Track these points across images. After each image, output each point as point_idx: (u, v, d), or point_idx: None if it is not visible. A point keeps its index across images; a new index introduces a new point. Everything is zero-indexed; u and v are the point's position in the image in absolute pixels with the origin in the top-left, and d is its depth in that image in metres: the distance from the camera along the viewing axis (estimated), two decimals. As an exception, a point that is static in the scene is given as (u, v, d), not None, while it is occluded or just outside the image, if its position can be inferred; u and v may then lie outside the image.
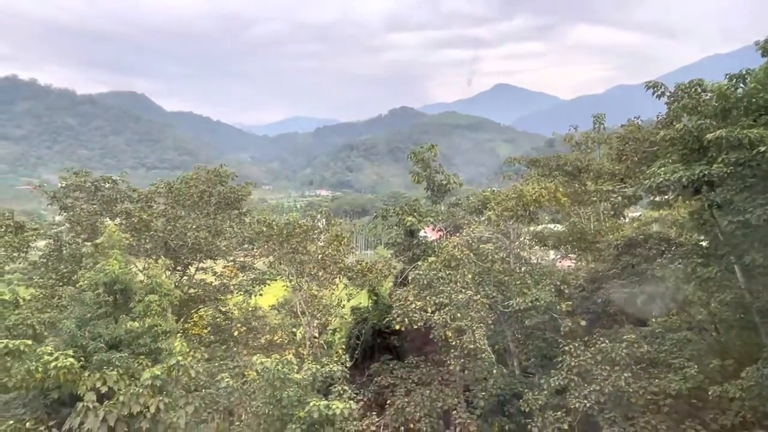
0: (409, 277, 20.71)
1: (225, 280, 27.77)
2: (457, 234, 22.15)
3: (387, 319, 20.55)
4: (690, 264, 18.21)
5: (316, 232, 25.61)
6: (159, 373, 14.99)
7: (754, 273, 17.35)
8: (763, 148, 14.57)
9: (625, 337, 17.96)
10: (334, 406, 15.09)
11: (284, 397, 15.85)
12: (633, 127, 20.46)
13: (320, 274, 24.98)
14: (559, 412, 17.02)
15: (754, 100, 16.28)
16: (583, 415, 16.93)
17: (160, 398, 14.98)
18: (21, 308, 20.35)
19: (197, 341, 24.09)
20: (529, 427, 17.47)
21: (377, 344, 25.19)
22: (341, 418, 15.25)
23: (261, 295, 28.66)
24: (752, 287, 17.40)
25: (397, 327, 18.96)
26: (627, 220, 27.89)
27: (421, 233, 26.43)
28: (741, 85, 16.97)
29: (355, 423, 17.75)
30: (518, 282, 19.63)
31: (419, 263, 20.70)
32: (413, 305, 18.69)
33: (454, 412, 19.29)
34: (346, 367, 18.01)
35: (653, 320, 19.36)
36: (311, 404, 15.16)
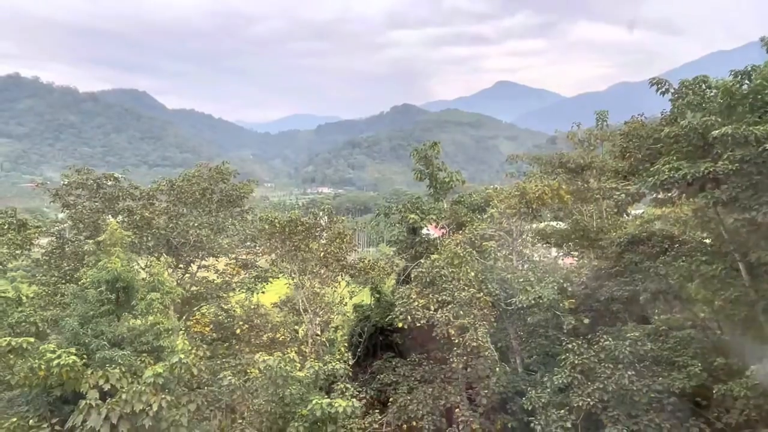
0: (412, 275, 20.67)
1: (227, 278, 27.79)
2: (460, 231, 22.12)
3: (389, 316, 20.53)
4: (694, 262, 18.15)
5: (318, 229, 25.59)
6: (161, 371, 14.92)
7: (759, 271, 17.31)
8: (768, 145, 14.54)
9: (628, 335, 17.93)
10: (336, 404, 15.04)
11: (287, 394, 15.84)
12: (637, 124, 20.35)
13: (322, 271, 24.97)
14: (562, 410, 17.00)
15: (759, 96, 16.12)
16: (587, 413, 16.94)
17: (163, 396, 14.91)
18: (24, 306, 20.40)
19: (199, 339, 24.06)
20: (531, 425, 17.45)
21: (379, 342, 25.19)
22: (344, 416, 15.21)
23: (263, 292, 28.70)
24: (757, 285, 17.34)
25: (400, 325, 18.93)
26: (630, 217, 27.80)
27: (424, 231, 26.39)
28: (746, 81, 16.84)
29: (357, 421, 17.76)
30: (521, 279, 19.58)
31: (422, 261, 20.65)
32: (416, 303, 18.67)
33: (457, 410, 19.28)
34: (349, 365, 18.00)
35: (656, 318, 19.35)
36: (314, 402, 15.11)
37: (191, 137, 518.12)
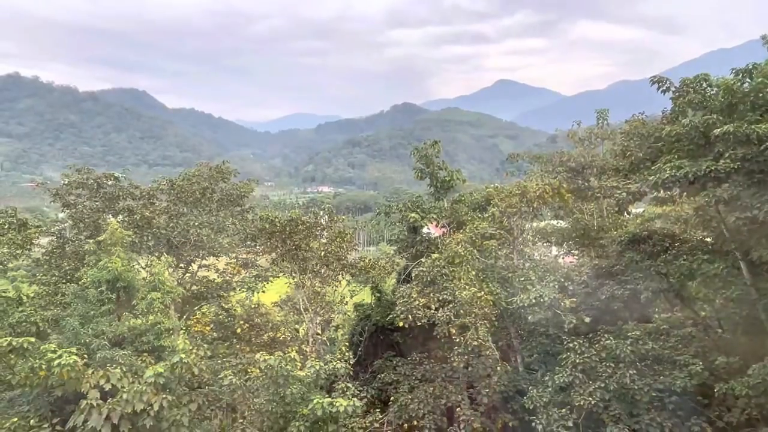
0: (413, 274, 20.64)
1: (227, 277, 27.87)
2: (461, 230, 22.09)
3: (390, 316, 20.51)
4: (695, 260, 18.11)
5: (318, 228, 25.61)
6: (162, 370, 14.97)
7: (760, 269, 17.29)
8: (771, 144, 14.53)
9: (629, 333, 17.90)
10: (337, 404, 15.05)
11: (287, 394, 15.86)
12: (637, 122, 20.33)
13: (323, 270, 24.99)
14: (563, 410, 16.95)
15: (761, 95, 16.09)
16: (588, 412, 16.87)
17: (164, 396, 14.95)
18: (24, 305, 20.46)
19: (200, 338, 24.10)
20: (533, 424, 17.42)
21: (380, 341, 25.18)
22: (345, 415, 15.24)
23: (264, 292, 28.77)
24: (758, 284, 17.34)
25: (401, 324, 18.89)
26: (631, 216, 27.81)
27: (424, 230, 26.36)
28: (747, 80, 16.83)
29: (358, 420, 17.78)
30: (522, 278, 19.57)
31: (422, 260, 20.59)
32: (417, 302, 18.62)
33: (458, 408, 19.24)
34: (350, 364, 17.96)
35: (657, 317, 19.33)
36: (315, 401, 15.12)
37: (191, 136, 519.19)
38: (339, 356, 18.16)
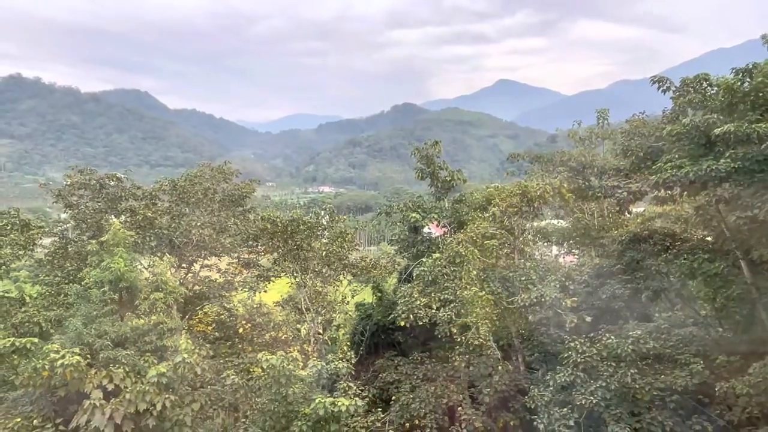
0: (414, 274, 20.73)
1: (229, 277, 27.92)
2: (461, 230, 22.12)
3: (391, 315, 20.52)
4: (695, 260, 18.13)
5: (319, 228, 25.69)
6: (165, 370, 15.04)
7: (760, 269, 17.30)
8: (772, 143, 14.55)
9: (630, 333, 17.87)
10: (339, 403, 15.05)
11: (290, 393, 15.90)
12: (638, 122, 20.36)
13: (324, 270, 25.09)
14: (564, 409, 16.97)
15: (761, 94, 16.09)
16: (589, 411, 16.87)
17: (167, 395, 15.02)
18: (27, 306, 20.59)
19: (202, 338, 24.25)
20: (534, 423, 17.48)
21: (381, 340, 25.29)
22: (347, 414, 15.22)
23: (265, 291, 28.83)
24: (759, 283, 17.33)
25: (402, 323, 18.92)
26: (631, 215, 27.86)
27: (425, 229, 26.41)
28: (747, 79, 16.84)
29: (360, 419, 17.83)
30: (523, 278, 19.61)
31: (423, 259, 20.67)
32: (418, 301, 18.67)
33: (459, 408, 19.33)
34: (351, 363, 18.04)
35: (658, 316, 19.35)
36: (317, 401, 15.12)
37: (193, 137, 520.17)
38: (341, 356, 18.25)
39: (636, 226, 22.48)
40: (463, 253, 19.23)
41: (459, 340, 18.06)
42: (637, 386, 16.59)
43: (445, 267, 19.31)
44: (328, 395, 15.96)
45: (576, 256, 28.15)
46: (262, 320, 27.75)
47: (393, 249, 31.46)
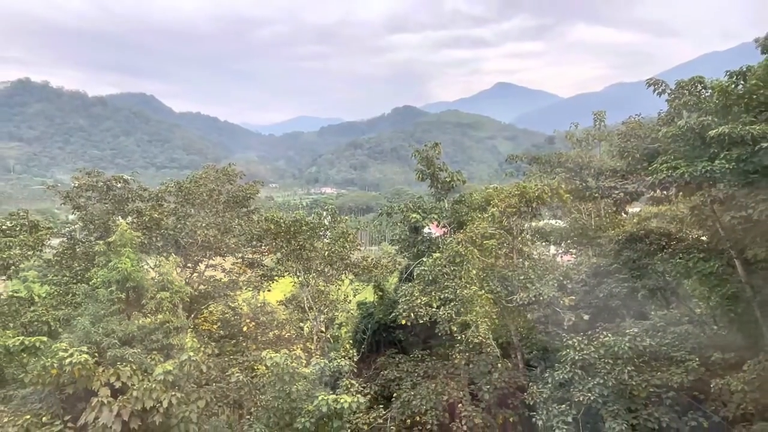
0: (414, 273, 20.93)
1: (234, 277, 28.14)
2: (461, 230, 22.31)
3: (393, 313, 20.74)
4: (691, 259, 18.30)
5: (322, 229, 25.92)
6: (171, 368, 15.28)
7: (754, 267, 17.46)
8: (765, 145, 14.57)
9: (627, 331, 18.09)
10: (342, 400, 15.28)
11: (293, 391, 16.15)
12: (634, 124, 20.53)
13: (327, 270, 25.27)
14: (563, 405, 17.21)
15: (755, 96, 16.22)
16: (587, 407, 17.12)
17: (173, 393, 15.24)
18: (36, 305, 20.79)
19: (207, 337, 24.46)
20: (533, 419, 17.71)
21: (383, 338, 25.50)
22: (349, 411, 15.46)
23: (269, 291, 29.07)
24: (753, 281, 17.52)
25: (403, 322, 19.14)
26: (628, 215, 28.05)
27: (426, 230, 26.62)
28: (741, 82, 17.03)
29: (362, 416, 18.07)
30: (521, 277, 19.81)
31: (424, 259, 20.87)
32: (418, 300, 18.89)
33: (460, 404, 19.56)
34: (353, 361, 18.23)
35: (654, 314, 19.48)
36: (320, 398, 15.38)
37: (198, 139, 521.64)
38: (343, 353, 18.47)
39: (632, 226, 22.66)
40: (463, 253, 19.46)
41: (459, 338, 18.26)
42: (634, 383, 16.81)
43: (445, 266, 19.53)
44: (331, 392, 16.20)
45: (574, 256, 28.33)
46: (265, 319, 28.02)
47: (394, 249, 31.72)
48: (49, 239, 24.29)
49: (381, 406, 19.88)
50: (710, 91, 17.36)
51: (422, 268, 20.06)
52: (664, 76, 19.24)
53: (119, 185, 26.07)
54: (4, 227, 22.66)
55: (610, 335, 17.85)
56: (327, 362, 17.32)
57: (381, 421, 19.46)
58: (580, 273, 22.01)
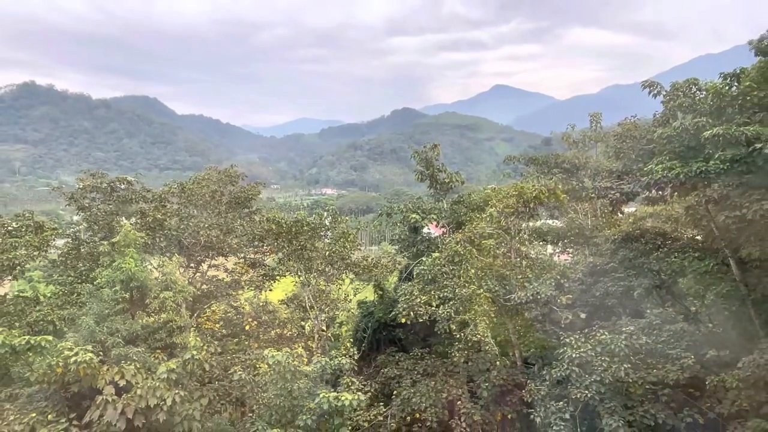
0: (414, 272, 21.11)
1: (236, 277, 28.34)
2: (460, 230, 22.49)
3: (392, 312, 20.96)
4: (686, 258, 18.49)
5: (323, 229, 26.11)
6: (174, 366, 15.52)
7: (748, 266, 17.66)
8: (758, 145, 14.76)
9: (623, 329, 18.25)
10: (343, 398, 15.44)
11: (295, 388, 16.29)
12: (630, 125, 20.67)
13: (327, 269, 25.44)
14: (560, 402, 17.41)
15: (748, 98, 16.40)
16: (584, 404, 17.30)
17: (176, 391, 15.45)
18: (41, 305, 20.99)
19: (210, 335, 24.57)
20: (531, 416, 17.93)
21: (383, 337, 25.66)
22: (350, 408, 15.63)
23: (271, 290, 29.28)
24: (747, 280, 17.73)
25: (403, 320, 19.36)
26: (623, 215, 28.24)
27: (425, 230, 26.84)
28: (735, 83, 17.22)
29: (362, 413, 18.27)
30: (519, 276, 20.02)
31: (423, 259, 21.07)
32: (418, 299, 19.11)
33: (459, 402, 19.77)
34: (354, 359, 18.36)
35: (650, 312, 19.61)
36: (321, 396, 15.55)
37: (200, 141, 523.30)
38: (344, 352, 18.62)
39: (628, 225, 22.77)
40: (462, 253, 19.67)
41: (458, 336, 18.46)
42: (631, 380, 16.98)
43: (444, 266, 19.75)
44: (332, 390, 16.33)
45: (570, 255, 28.49)
46: (267, 318, 28.19)
47: (394, 249, 31.95)
48: (54, 240, 24.41)
49: (381, 403, 20.08)
50: (705, 92, 17.52)
51: (422, 267, 20.28)
52: (660, 78, 19.42)
53: (123, 186, 26.31)
54: (9, 228, 22.82)
55: (606, 333, 18.01)
56: (328, 360, 17.43)
57: (381, 418, 19.66)
58: (576, 272, 22.14)
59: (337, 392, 16.00)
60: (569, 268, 22.47)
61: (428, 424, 19.58)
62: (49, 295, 22.16)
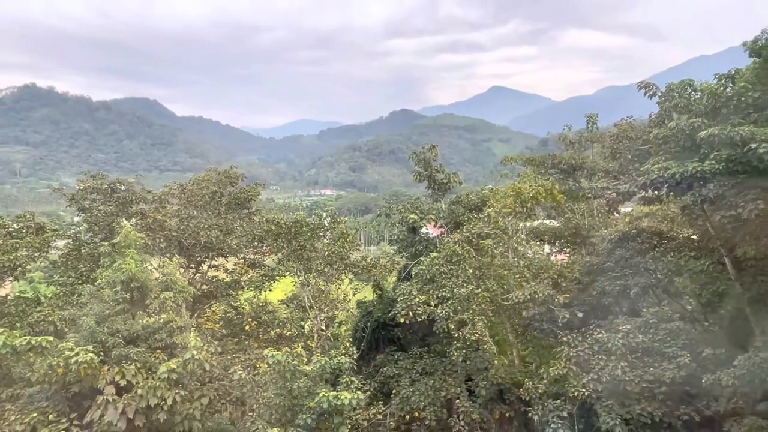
0: (412, 272, 21.21)
1: (236, 277, 28.44)
2: (458, 230, 22.62)
3: (391, 312, 21.11)
4: (682, 257, 18.62)
5: (322, 230, 26.23)
6: (175, 366, 15.58)
7: (744, 265, 17.79)
8: (753, 145, 14.85)
9: (620, 327, 18.36)
10: (342, 397, 15.56)
11: (294, 388, 16.39)
12: (626, 126, 20.80)
13: (327, 269, 25.51)
14: (558, 401, 17.58)
15: (743, 98, 16.54)
16: (581, 402, 17.47)
17: (177, 391, 15.56)
18: (42, 305, 21.08)
19: (210, 335, 24.66)
20: (529, 414, 18.07)
21: (382, 336, 25.73)
22: (349, 407, 15.76)
23: (270, 290, 29.41)
24: (742, 279, 17.85)
25: (401, 320, 19.46)
26: (620, 215, 28.39)
27: (423, 230, 26.97)
28: (730, 84, 17.36)
29: (362, 412, 18.37)
30: (517, 276, 20.13)
31: (422, 259, 21.20)
32: (417, 299, 19.22)
33: (457, 400, 19.90)
34: (353, 358, 18.45)
35: (646, 311, 19.72)
36: (320, 395, 15.65)
37: (200, 143, 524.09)
38: (343, 351, 18.71)
39: (624, 225, 22.87)
40: (460, 253, 19.81)
41: (456, 335, 18.59)
42: (627, 378, 17.03)
43: (442, 266, 19.89)
44: (332, 389, 16.46)
45: (567, 255, 28.60)
46: (267, 318, 28.26)
47: (392, 249, 32.05)
48: (54, 241, 24.52)
49: (380, 402, 20.18)
50: (700, 93, 17.64)
51: (420, 267, 20.40)
52: (655, 79, 19.54)
53: (123, 188, 26.46)
54: (11, 229, 22.96)
55: (603, 332, 18.16)
56: (327, 360, 17.48)
57: (380, 417, 19.76)
58: (573, 271, 22.23)
59: (337, 391, 16.10)
60: (566, 267, 22.57)
61: (427, 422, 19.71)
62: (49, 295, 22.26)
